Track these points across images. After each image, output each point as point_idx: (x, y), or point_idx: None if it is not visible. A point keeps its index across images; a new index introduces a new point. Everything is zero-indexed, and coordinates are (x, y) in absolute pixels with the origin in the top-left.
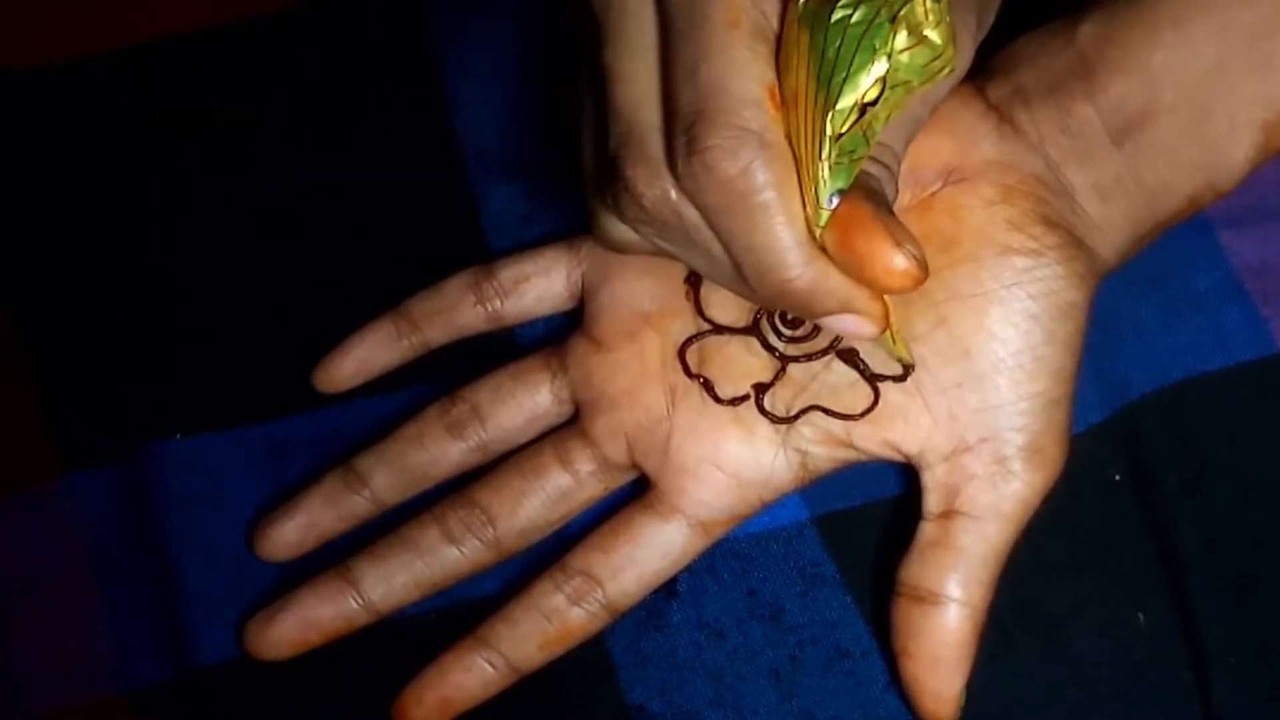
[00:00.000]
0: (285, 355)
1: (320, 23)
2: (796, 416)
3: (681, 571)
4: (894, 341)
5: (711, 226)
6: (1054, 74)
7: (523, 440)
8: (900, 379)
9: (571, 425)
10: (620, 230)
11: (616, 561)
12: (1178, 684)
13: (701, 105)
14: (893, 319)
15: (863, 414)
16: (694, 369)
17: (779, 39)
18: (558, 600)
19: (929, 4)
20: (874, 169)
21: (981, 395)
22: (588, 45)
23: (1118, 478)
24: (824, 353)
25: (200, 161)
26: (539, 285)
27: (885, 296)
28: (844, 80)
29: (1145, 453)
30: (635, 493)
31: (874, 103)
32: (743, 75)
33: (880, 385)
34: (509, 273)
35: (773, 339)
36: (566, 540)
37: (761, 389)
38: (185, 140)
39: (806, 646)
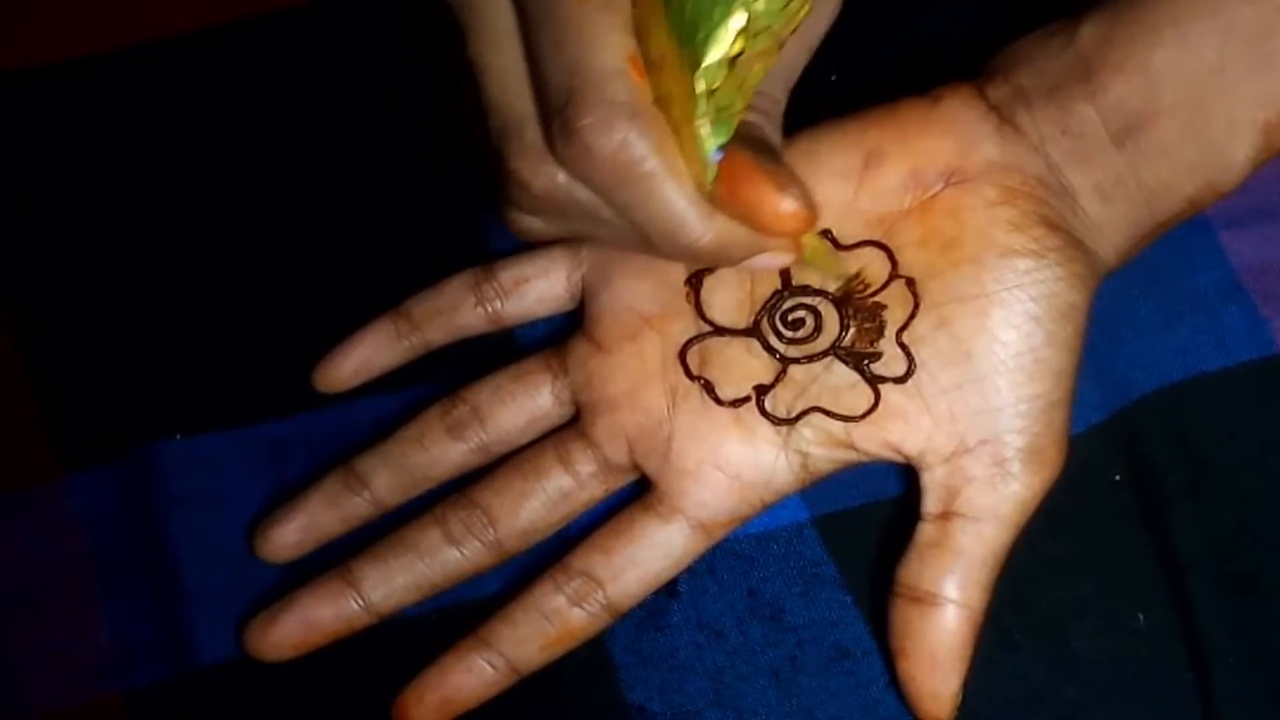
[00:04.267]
0: (285, 355)
1: (319, 22)
2: (797, 418)
3: (682, 572)
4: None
5: (606, 202)
6: (1054, 75)
7: (523, 441)
8: (901, 380)
9: (572, 426)
10: (525, 220)
11: (617, 562)
12: (1178, 684)
13: (568, 85)
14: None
15: (863, 415)
16: (695, 370)
17: (633, 4)
18: (558, 601)
19: None
20: (753, 117)
21: (982, 397)
22: (456, 43)
23: (1118, 478)
24: (825, 354)
25: (200, 162)
26: (539, 286)
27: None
28: (706, 37)
29: (1145, 453)
30: (636, 494)
31: (739, 55)
32: (602, 48)
33: (881, 387)
34: (509, 273)
35: (773, 340)
36: (567, 541)
37: (762, 390)
38: (185, 140)
39: (806, 646)
